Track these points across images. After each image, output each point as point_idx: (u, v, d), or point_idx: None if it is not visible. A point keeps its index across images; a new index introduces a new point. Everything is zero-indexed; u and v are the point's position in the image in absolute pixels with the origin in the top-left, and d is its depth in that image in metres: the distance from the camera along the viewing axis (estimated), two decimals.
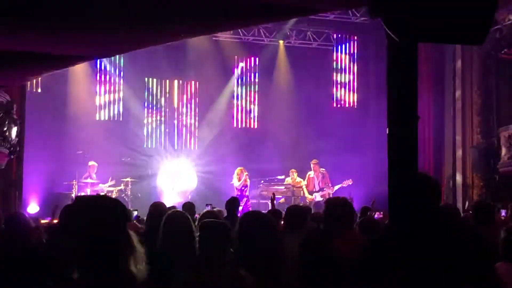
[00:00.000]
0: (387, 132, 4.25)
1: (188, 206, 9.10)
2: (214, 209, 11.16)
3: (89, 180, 16.48)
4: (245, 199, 16.20)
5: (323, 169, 17.38)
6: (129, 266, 2.88)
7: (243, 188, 16.41)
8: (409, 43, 4.23)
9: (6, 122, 12.96)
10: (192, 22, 4.76)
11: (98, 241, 2.81)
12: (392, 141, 4.15)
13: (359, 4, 4.00)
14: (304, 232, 5.87)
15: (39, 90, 17.74)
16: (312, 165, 17.34)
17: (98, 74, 19.14)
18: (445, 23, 4.15)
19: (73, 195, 16.18)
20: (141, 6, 4.61)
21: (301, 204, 15.91)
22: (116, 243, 2.86)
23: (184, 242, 4.99)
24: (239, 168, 16.64)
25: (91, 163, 16.75)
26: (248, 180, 16.61)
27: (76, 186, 16.37)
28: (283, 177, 17.87)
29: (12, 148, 13.40)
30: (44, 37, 6.02)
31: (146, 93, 19.77)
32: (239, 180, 16.41)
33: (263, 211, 10.09)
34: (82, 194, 16.26)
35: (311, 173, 17.34)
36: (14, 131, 13.37)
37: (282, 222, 7.90)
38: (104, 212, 2.90)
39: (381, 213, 11.65)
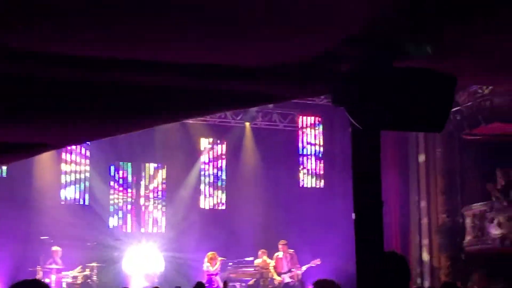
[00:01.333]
0: (353, 218, 4.31)
1: None
2: None
3: (53, 266, 16.19)
4: (215, 284, 15.99)
5: (291, 250, 17.32)
6: None
7: (215, 273, 16.18)
8: (372, 131, 4.34)
9: None
10: (162, 111, 4.83)
11: None
12: (358, 227, 4.22)
13: (322, 93, 4.15)
14: None
15: (5, 175, 17.59)
16: (280, 246, 17.27)
17: (63, 158, 19.04)
18: (406, 112, 4.28)
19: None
20: (110, 98, 4.68)
21: (269, 287, 15.84)
22: None
23: None
24: (211, 252, 16.41)
25: (54, 248, 16.48)
26: (218, 263, 16.38)
27: (41, 272, 16.05)
28: (251, 258, 17.74)
29: None
30: (8, 126, 6.01)
31: (111, 176, 19.69)
32: (213, 265, 16.15)
33: None
34: (47, 280, 15.96)
35: (279, 254, 17.25)
36: None
37: None
38: None
39: None
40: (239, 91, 4.45)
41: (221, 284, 16.01)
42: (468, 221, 15.80)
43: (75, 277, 16.30)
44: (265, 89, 4.42)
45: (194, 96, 4.57)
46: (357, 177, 4.41)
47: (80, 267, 16.47)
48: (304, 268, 17.07)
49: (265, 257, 17.40)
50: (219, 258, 16.29)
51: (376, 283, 3.98)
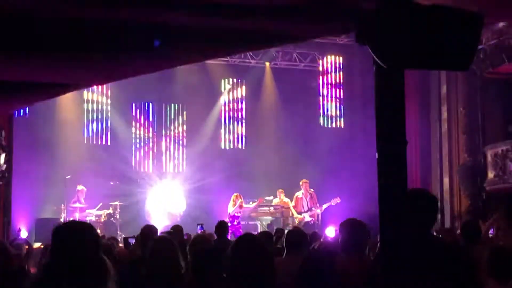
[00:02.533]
0: (377, 157, 4.30)
1: (177, 229, 9.15)
2: (205, 232, 11.20)
3: (77, 205, 16.42)
4: (236, 221, 16.20)
5: (311, 190, 17.40)
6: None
7: (236, 214, 16.37)
8: (396, 70, 4.30)
9: None
10: (187, 50, 4.82)
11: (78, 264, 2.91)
12: (381, 167, 4.21)
13: (346, 31, 4.09)
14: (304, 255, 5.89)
15: (27, 116, 17.72)
16: (302, 185, 17.32)
17: (85, 98, 19.15)
18: (431, 50, 4.23)
19: (62, 220, 16.16)
20: (135, 36, 4.67)
21: (290, 225, 15.99)
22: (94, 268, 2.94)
23: (169, 269, 5.03)
24: (235, 194, 16.62)
25: (79, 187, 16.71)
26: (243, 205, 16.59)
27: (65, 211, 16.32)
28: (271, 198, 17.88)
29: (0, 175, 13.38)
30: (34, 66, 6.05)
31: (133, 117, 19.80)
32: (234, 205, 16.36)
33: (253, 233, 10.12)
34: (71, 218, 16.23)
35: (299, 194, 17.33)
36: (2, 157, 13.36)
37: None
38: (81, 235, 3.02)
39: None
40: (265, 30, 4.42)
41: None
42: (489, 160, 15.76)
43: (98, 216, 16.55)
44: (291, 28, 4.38)
45: (219, 36, 4.55)
46: (381, 116, 4.39)
47: (100, 205, 16.71)
48: (324, 206, 17.16)
49: (282, 196, 17.52)
50: (240, 200, 16.43)
51: (400, 222, 4.00)
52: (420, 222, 4.15)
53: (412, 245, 4.07)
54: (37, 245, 14.61)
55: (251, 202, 17.39)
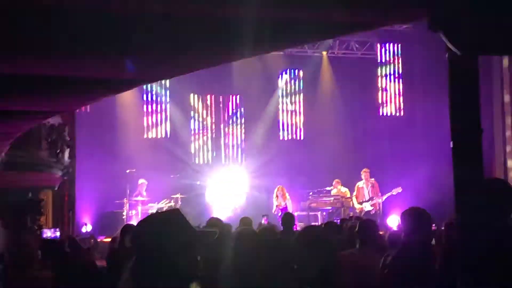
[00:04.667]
0: (452, 145, 4.23)
1: (246, 221, 9.14)
2: (270, 224, 11.21)
3: (139, 198, 16.64)
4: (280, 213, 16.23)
5: (372, 179, 17.25)
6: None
7: (282, 205, 16.42)
8: (470, 56, 4.21)
9: (59, 144, 13.18)
10: (252, 43, 4.79)
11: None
12: (457, 156, 4.14)
13: (418, 18, 4.00)
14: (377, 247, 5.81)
15: (88, 111, 18.00)
16: (363, 174, 17.18)
17: (145, 92, 19.38)
18: (504, 35, 4.13)
19: (124, 213, 16.41)
20: (200, 29, 4.67)
21: (351, 215, 15.88)
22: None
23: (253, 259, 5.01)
24: (279, 186, 16.70)
25: (141, 181, 16.92)
26: (287, 197, 16.62)
27: (127, 205, 16.55)
28: (330, 188, 17.79)
29: (64, 170, 13.65)
30: (100, 62, 6.11)
31: (192, 109, 19.95)
32: (281, 199, 16.46)
33: (313, 223, 10.07)
34: (133, 212, 16.46)
35: (360, 183, 17.20)
36: (66, 153, 13.61)
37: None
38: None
39: None
40: (333, 19, 4.37)
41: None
42: None
43: (160, 209, 16.71)
44: (360, 16, 4.32)
45: (287, 27, 4.52)
46: (455, 104, 4.32)
47: (165, 201, 16.87)
48: (385, 197, 17.00)
49: (339, 187, 17.43)
50: (281, 192, 16.53)
51: (478, 212, 3.91)
52: (498, 211, 4.04)
53: (491, 234, 3.98)
54: (101, 238, 14.93)
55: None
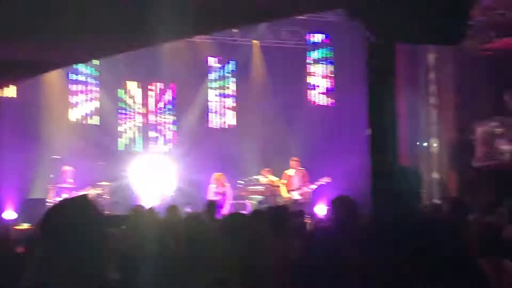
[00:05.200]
0: (368, 132, 4.26)
1: (172, 209, 9.11)
2: (194, 212, 11.15)
3: (65, 185, 16.33)
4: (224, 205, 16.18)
5: (302, 168, 17.37)
6: (107, 272, 2.81)
7: (221, 193, 16.35)
8: (387, 45, 4.25)
9: None
10: (173, 27, 4.72)
11: (81, 245, 2.73)
12: (373, 143, 4.18)
13: (336, 6, 3.98)
14: (289, 232, 5.86)
15: (14, 96, 17.55)
16: (292, 163, 17.30)
17: (71, 77, 18.99)
18: (422, 24, 4.18)
19: (49, 201, 16.08)
20: (121, 10, 4.58)
21: (280, 203, 15.96)
22: (99, 246, 2.78)
23: (159, 246, 4.99)
24: (217, 173, 16.59)
25: (66, 168, 16.60)
26: (225, 184, 16.56)
27: (53, 192, 16.22)
28: (260, 176, 17.85)
29: None
30: (15, 43, 5.93)
31: (121, 96, 19.68)
32: (219, 186, 16.36)
33: (242, 212, 10.10)
34: (58, 199, 16.13)
35: (289, 171, 17.31)
36: None
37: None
38: (87, 211, 2.81)
39: None
40: (250, 6, 4.34)
41: (228, 205, 16.20)
42: (478, 136, 15.78)
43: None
44: (278, 4, 4.30)
45: (204, 12, 4.47)
46: (372, 91, 4.35)
47: (89, 188, 16.61)
48: (314, 186, 17.15)
49: (269, 175, 17.51)
50: (220, 179, 16.44)
51: (391, 197, 3.96)
52: (409, 197, 4.11)
53: (401, 220, 4.04)
54: (24, 226, 14.60)
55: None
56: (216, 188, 16.36)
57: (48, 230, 2.75)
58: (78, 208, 2.78)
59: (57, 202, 2.94)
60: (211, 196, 16.03)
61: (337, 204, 5.28)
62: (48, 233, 2.75)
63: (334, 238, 5.04)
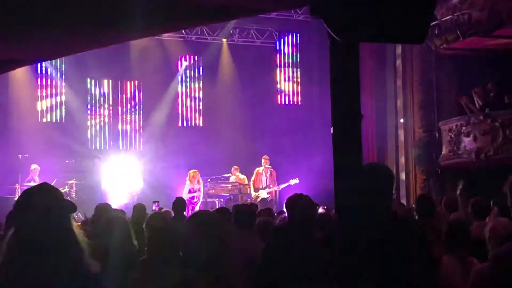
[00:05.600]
0: (332, 131, 4.28)
1: (139, 208, 9.08)
2: (162, 210, 11.13)
3: (32, 184, 16.16)
4: (196, 198, 16.14)
5: (270, 167, 17.44)
6: (86, 258, 2.84)
7: (196, 190, 16.31)
8: (350, 43, 4.27)
9: None
10: (137, 24, 4.71)
11: (52, 230, 2.76)
12: (336, 141, 4.19)
13: (300, 4, 4.01)
14: (254, 230, 5.87)
15: None
16: (263, 160, 17.35)
17: (39, 76, 18.88)
18: (386, 23, 4.21)
19: (16, 199, 15.92)
20: (84, 8, 4.55)
21: (248, 201, 16.00)
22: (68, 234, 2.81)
23: (124, 244, 4.99)
24: (192, 170, 16.52)
25: (33, 166, 16.49)
26: (200, 181, 16.51)
27: (19, 190, 16.07)
28: (229, 175, 17.87)
29: None
30: None
31: (88, 94, 19.58)
32: (193, 183, 16.30)
33: (210, 209, 10.11)
34: None
35: (259, 169, 17.37)
36: None
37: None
38: (53, 198, 2.87)
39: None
40: (215, 3, 4.34)
41: (200, 203, 16.18)
42: (444, 135, 15.95)
43: None
44: (242, 1, 4.31)
45: (170, 8, 4.45)
46: (336, 90, 4.37)
47: (55, 180, 16.48)
48: (282, 186, 17.24)
49: (238, 173, 17.56)
50: (196, 176, 16.39)
51: (356, 197, 3.99)
52: (377, 196, 4.14)
53: (368, 219, 4.07)
54: None
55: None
56: (191, 184, 16.31)
57: (19, 212, 2.82)
58: (45, 191, 2.87)
59: (26, 189, 3.03)
60: (186, 193, 16.01)
61: (290, 204, 5.39)
62: (19, 215, 2.81)
63: (290, 238, 5.10)
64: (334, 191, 4.21)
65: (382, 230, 4.06)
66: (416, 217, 7.45)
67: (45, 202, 2.84)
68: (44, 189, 2.95)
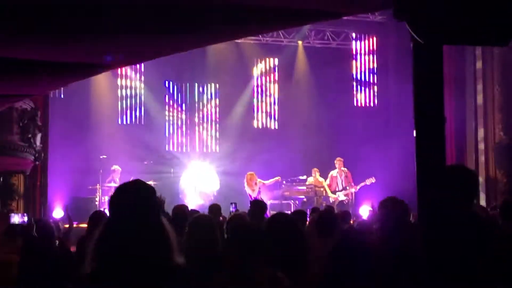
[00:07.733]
0: (415, 134, 4.26)
1: (215, 208, 9.18)
2: (238, 211, 11.19)
3: (112, 184, 16.55)
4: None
5: (345, 168, 17.34)
6: (174, 256, 2.89)
7: (253, 192, 16.38)
8: (435, 46, 4.24)
9: (31, 129, 13.10)
10: (216, 30, 4.79)
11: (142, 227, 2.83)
12: (420, 144, 4.17)
13: (384, 7, 4.00)
14: (336, 238, 5.85)
15: (62, 96, 17.89)
16: (336, 163, 17.27)
17: (119, 79, 19.31)
18: (470, 26, 4.16)
19: (97, 200, 16.34)
20: (165, 14, 4.65)
21: (324, 204, 15.96)
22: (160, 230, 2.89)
23: (208, 246, 5.03)
24: (249, 173, 16.62)
25: (114, 167, 16.87)
26: (257, 183, 16.55)
27: (100, 191, 16.48)
28: (304, 177, 17.84)
29: (37, 155, 13.55)
30: (69, 46, 6.05)
31: (166, 97, 19.91)
32: (251, 186, 16.37)
33: (286, 211, 10.14)
34: (106, 198, 16.38)
35: (333, 172, 17.30)
36: (38, 137, 13.53)
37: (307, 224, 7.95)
38: (145, 194, 2.96)
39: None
40: (296, 7, 4.38)
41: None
42: None
43: None
44: (324, 4, 4.33)
45: (250, 13, 4.51)
46: (419, 92, 4.34)
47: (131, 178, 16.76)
48: (358, 186, 17.10)
49: (317, 175, 17.48)
50: (254, 179, 16.44)
51: (439, 199, 3.96)
52: (460, 198, 4.09)
53: (452, 221, 4.02)
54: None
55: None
56: (247, 187, 16.40)
57: (113, 209, 2.91)
58: (142, 187, 2.96)
59: (119, 185, 3.18)
60: (249, 195, 16.13)
61: (389, 205, 5.27)
62: (114, 212, 2.91)
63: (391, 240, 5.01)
64: (417, 193, 4.19)
65: (467, 233, 4.01)
66: (500, 221, 7.29)
67: (138, 197, 2.93)
68: (137, 185, 3.05)
